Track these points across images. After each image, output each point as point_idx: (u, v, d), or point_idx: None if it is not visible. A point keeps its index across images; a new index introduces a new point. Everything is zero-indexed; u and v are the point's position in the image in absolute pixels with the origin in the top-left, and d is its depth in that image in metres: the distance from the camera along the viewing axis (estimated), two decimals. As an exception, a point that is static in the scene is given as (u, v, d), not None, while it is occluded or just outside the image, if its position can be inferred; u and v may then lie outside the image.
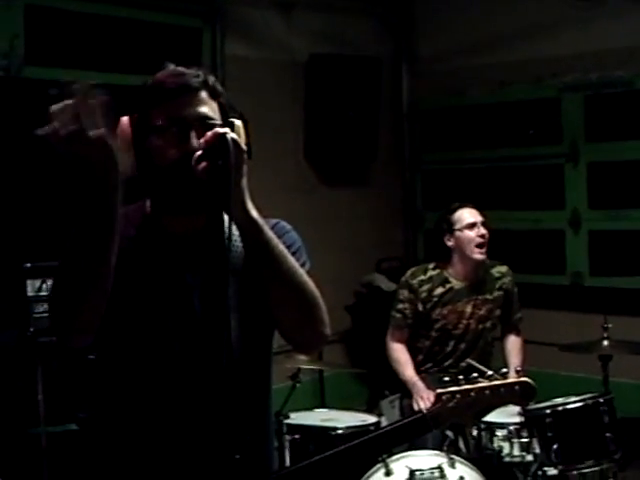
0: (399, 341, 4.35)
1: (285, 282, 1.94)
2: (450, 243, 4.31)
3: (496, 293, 4.38)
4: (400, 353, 4.33)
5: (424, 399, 4.00)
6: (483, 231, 4.24)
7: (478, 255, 4.25)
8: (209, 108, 1.97)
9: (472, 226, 4.25)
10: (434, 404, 2.24)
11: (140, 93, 2.01)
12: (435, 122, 6.76)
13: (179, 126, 1.93)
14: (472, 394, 2.22)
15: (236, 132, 1.91)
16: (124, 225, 1.97)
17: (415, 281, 4.34)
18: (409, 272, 4.43)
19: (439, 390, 2.24)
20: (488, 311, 4.35)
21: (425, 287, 4.33)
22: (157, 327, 1.98)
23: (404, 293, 4.36)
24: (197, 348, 2.00)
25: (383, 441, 2.26)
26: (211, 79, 2.01)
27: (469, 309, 4.33)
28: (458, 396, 2.21)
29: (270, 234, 1.93)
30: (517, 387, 2.25)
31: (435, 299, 4.32)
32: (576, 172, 5.96)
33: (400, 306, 4.36)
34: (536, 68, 6.04)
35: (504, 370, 2.29)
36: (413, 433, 2.30)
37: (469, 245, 4.25)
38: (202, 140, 1.88)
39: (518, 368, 2.31)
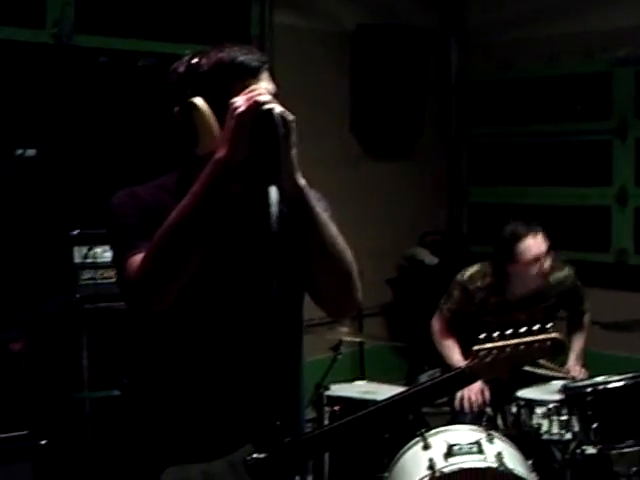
0: (445, 329, 4.27)
1: (328, 250, 1.99)
2: (510, 269, 4.09)
3: (552, 300, 4.25)
4: (445, 336, 4.25)
5: (472, 392, 3.99)
6: (546, 266, 4.01)
7: (532, 284, 4.08)
8: (271, 85, 2.02)
9: (534, 262, 4.01)
10: (471, 360, 2.30)
11: (210, 71, 2.01)
12: (483, 95, 6.70)
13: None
14: (507, 350, 2.30)
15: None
16: (162, 195, 2.02)
17: (472, 287, 4.17)
18: (467, 274, 4.22)
19: (476, 347, 2.31)
20: (544, 315, 4.12)
21: (479, 295, 4.17)
22: (199, 292, 2.01)
23: (459, 294, 4.21)
24: (238, 314, 2.03)
25: (423, 396, 2.30)
26: (268, 61, 2.05)
27: (523, 317, 4.10)
28: (494, 352, 2.30)
29: (315, 202, 1.97)
30: (548, 342, 2.33)
31: (489, 308, 4.17)
32: (624, 148, 5.89)
33: (452, 305, 4.23)
34: (586, 41, 5.95)
35: (536, 327, 2.32)
36: (452, 387, 2.36)
37: (524, 277, 4.06)
38: (243, 99, 1.88)
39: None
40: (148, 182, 2.12)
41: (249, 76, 1.98)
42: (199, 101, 1.98)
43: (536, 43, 6.22)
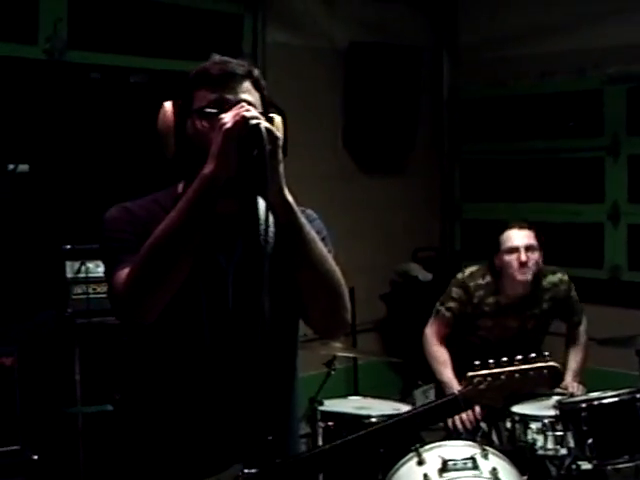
0: (440, 337, 4.22)
1: (315, 267, 1.98)
2: (497, 262, 4.15)
3: (545, 305, 4.23)
4: (439, 351, 4.20)
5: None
6: (523, 258, 4.03)
7: (519, 276, 4.07)
8: (251, 97, 2.01)
9: (513, 251, 4.06)
10: (465, 386, 2.26)
11: (185, 79, 2.05)
12: (475, 112, 6.72)
13: (220, 109, 1.95)
14: (502, 377, 2.26)
15: (275, 126, 1.93)
16: (156, 210, 2.02)
17: (472, 284, 4.18)
18: (467, 272, 4.25)
19: (470, 373, 2.27)
20: (535, 323, 4.21)
21: (479, 293, 4.17)
22: (189, 310, 2.01)
23: (459, 292, 4.19)
24: (228, 330, 2.03)
25: (416, 421, 2.27)
26: (256, 71, 2.06)
27: (514, 324, 4.18)
28: (489, 379, 2.26)
29: (303, 220, 1.97)
30: (545, 371, 2.28)
31: (485, 308, 4.18)
32: (617, 165, 5.91)
33: (452, 304, 4.19)
34: (579, 59, 5.98)
35: (532, 355, 2.29)
36: (445, 413, 2.33)
37: (510, 269, 4.07)
38: (230, 115, 1.89)
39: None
40: (142, 197, 2.12)
41: (211, 85, 1.99)
42: (167, 104, 2.03)
43: (528, 60, 6.25)
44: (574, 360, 4.24)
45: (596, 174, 6.00)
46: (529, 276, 4.07)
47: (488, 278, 4.18)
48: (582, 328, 4.37)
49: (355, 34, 6.11)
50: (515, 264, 4.05)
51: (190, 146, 1.99)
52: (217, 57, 2.06)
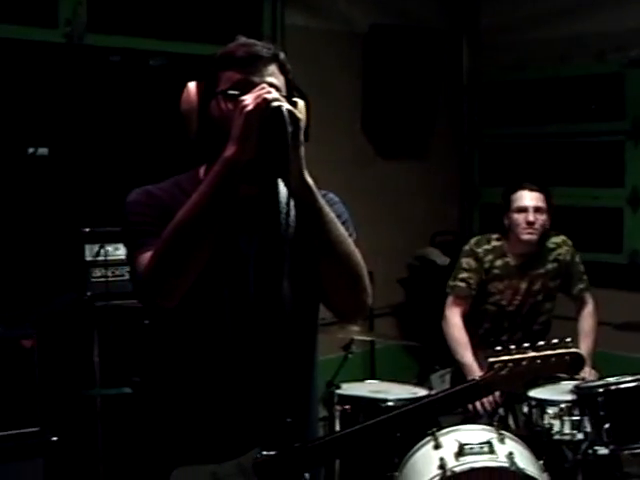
0: (460, 315, 4.26)
1: (335, 250, 1.98)
2: (506, 221, 4.28)
3: (549, 265, 4.33)
4: (460, 332, 4.23)
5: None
6: (531, 218, 4.15)
7: (525, 236, 4.19)
8: (277, 80, 2.01)
9: (522, 210, 4.18)
10: (486, 372, 2.26)
11: (210, 61, 2.04)
12: (495, 96, 6.69)
13: (245, 91, 1.94)
14: (523, 363, 2.24)
15: (298, 110, 1.93)
16: (178, 193, 2.02)
17: (480, 250, 4.30)
18: (473, 240, 4.38)
19: (491, 359, 2.26)
20: (542, 285, 4.32)
21: (489, 257, 4.29)
22: (211, 294, 2.02)
23: (469, 262, 4.30)
24: (249, 314, 2.03)
25: (436, 407, 2.27)
26: (282, 54, 2.05)
27: (524, 285, 4.30)
28: (510, 365, 2.24)
29: (323, 202, 1.97)
30: (567, 357, 2.26)
31: (495, 271, 4.29)
32: (637, 150, 5.87)
33: (464, 275, 4.28)
34: (599, 42, 5.94)
35: (555, 341, 2.29)
36: (465, 399, 2.32)
37: (517, 227, 4.20)
38: (252, 97, 1.89)
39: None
40: (165, 180, 2.12)
41: (236, 67, 1.99)
42: (191, 84, 2.03)
43: (548, 44, 6.20)
44: (584, 344, 4.25)
45: (616, 158, 5.97)
46: (535, 237, 4.20)
47: (495, 242, 4.32)
48: (590, 309, 4.40)
49: (374, 17, 6.08)
50: (523, 223, 4.17)
51: (213, 128, 1.98)
52: (243, 39, 2.05)
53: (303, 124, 1.90)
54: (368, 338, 4.86)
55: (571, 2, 6.05)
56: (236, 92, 1.96)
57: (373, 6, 6.10)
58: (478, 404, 4.00)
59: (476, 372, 4.03)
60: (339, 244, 1.98)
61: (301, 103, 1.99)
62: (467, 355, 4.17)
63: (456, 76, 6.73)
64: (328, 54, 5.86)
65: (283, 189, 1.92)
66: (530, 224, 4.16)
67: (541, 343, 2.26)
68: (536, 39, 6.26)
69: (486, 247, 4.31)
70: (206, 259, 1.94)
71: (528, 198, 4.20)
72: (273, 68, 2.01)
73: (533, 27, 6.25)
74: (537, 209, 4.19)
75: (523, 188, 4.24)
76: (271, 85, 1.96)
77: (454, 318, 4.27)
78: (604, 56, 5.97)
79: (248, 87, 1.95)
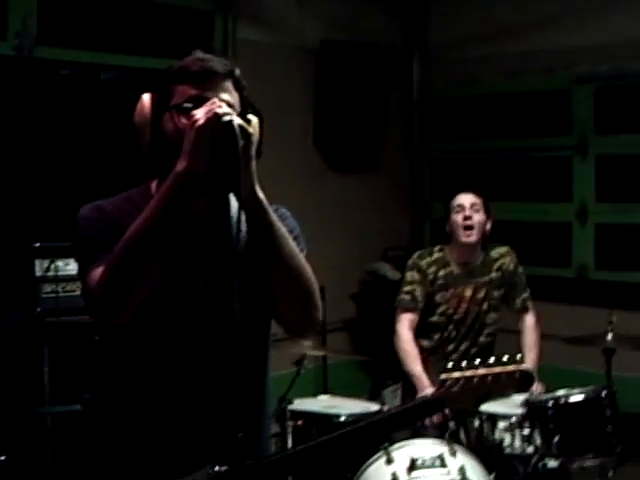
0: (409, 328, 4.31)
1: (285, 265, 1.98)
2: (447, 228, 4.39)
3: (493, 274, 4.40)
4: (409, 345, 4.27)
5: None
6: (467, 213, 4.27)
7: (464, 238, 4.29)
8: (231, 97, 2.01)
9: (460, 209, 4.31)
10: (438, 388, 2.27)
11: (165, 74, 2.04)
12: (445, 111, 6.75)
13: (198, 106, 1.94)
14: (475, 380, 2.25)
15: (251, 127, 1.93)
16: (130, 208, 2.01)
17: (423, 262, 4.38)
18: (416, 254, 4.47)
19: (443, 375, 2.27)
20: (486, 293, 4.38)
21: (432, 269, 4.37)
22: (162, 309, 2.01)
23: (413, 275, 4.37)
24: (200, 330, 2.03)
25: (387, 424, 2.28)
26: (237, 70, 2.05)
27: (469, 293, 4.35)
28: (461, 382, 2.25)
29: (274, 217, 1.97)
30: (517, 374, 2.28)
31: (439, 281, 4.36)
32: (584, 165, 5.96)
33: (408, 288, 4.35)
34: (548, 58, 6.03)
35: (505, 358, 2.31)
36: (417, 416, 2.33)
37: (457, 229, 4.31)
38: (203, 111, 1.89)
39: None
40: (116, 195, 2.11)
41: (190, 81, 1.99)
42: (145, 96, 2.02)
43: (497, 60, 6.29)
44: (529, 357, 4.29)
45: (564, 173, 6.06)
46: (474, 238, 4.29)
47: (437, 254, 4.41)
48: (532, 321, 4.47)
49: (326, 32, 6.11)
50: (460, 221, 4.28)
51: (165, 142, 1.98)
52: (199, 54, 2.05)
53: (255, 139, 1.91)
54: (320, 353, 4.85)
55: (521, 19, 6.13)
56: (189, 106, 1.96)
57: (325, 21, 6.13)
58: (427, 421, 4.02)
59: (425, 383, 4.09)
60: (290, 259, 1.99)
61: (254, 120, 1.99)
62: (416, 367, 4.21)
63: (407, 91, 6.79)
64: (280, 69, 5.87)
65: (234, 203, 1.92)
66: (467, 219, 4.27)
67: (492, 360, 2.27)
68: (486, 55, 6.34)
69: (428, 260, 4.39)
70: (158, 274, 1.93)
71: (464, 198, 4.34)
72: (228, 84, 2.01)
73: (483, 43, 6.33)
74: (472, 205, 4.30)
75: (462, 191, 4.40)
76: (225, 102, 1.96)
77: (402, 331, 4.32)
78: (552, 72, 6.06)
79: (202, 102, 1.94)
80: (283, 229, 1.99)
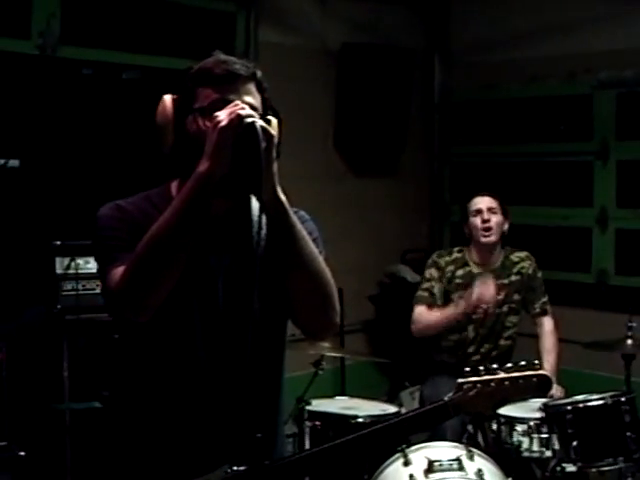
0: (423, 311, 4.37)
1: (305, 267, 1.98)
2: (466, 231, 4.48)
3: (513, 277, 4.44)
4: (426, 313, 4.36)
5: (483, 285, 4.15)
6: (486, 216, 4.36)
7: (483, 239, 4.37)
8: (254, 99, 2.02)
9: (477, 212, 4.39)
10: (455, 393, 2.27)
11: (187, 75, 2.04)
12: (466, 115, 6.74)
13: (222, 109, 1.94)
14: (492, 384, 2.26)
15: (271, 127, 1.93)
16: (149, 209, 2.02)
17: (442, 260, 4.45)
18: (435, 254, 4.55)
19: (460, 380, 2.27)
20: (505, 295, 4.39)
21: (450, 268, 4.43)
22: (181, 310, 2.02)
23: (431, 272, 4.44)
24: (218, 331, 2.04)
25: (404, 427, 2.28)
26: (259, 72, 2.06)
27: None
28: (479, 386, 2.25)
29: (295, 219, 1.98)
30: (535, 379, 2.28)
31: (457, 281, 4.40)
32: (605, 170, 5.93)
33: (427, 285, 4.41)
34: (569, 63, 6.01)
35: (522, 363, 2.30)
36: (434, 420, 2.33)
37: (475, 231, 4.39)
38: (225, 113, 1.89)
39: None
40: (135, 195, 2.12)
41: (214, 84, 1.99)
42: (167, 97, 2.02)
43: (519, 64, 6.27)
44: (547, 362, 4.31)
45: (585, 178, 6.03)
46: (493, 238, 4.37)
47: (456, 254, 4.49)
48: (551, 325, 4.49)
49: (348, 35, 6.11)
50: (479, 224, 4.36)
51: (189, 143, 1.98)
52: (221, 55, 2.05)
53: (276, 140, 1.91)
54: (338, 354, 4.86)
55: (543, 24, 6.11)
56: (213, 109, 1.96)
57: (347, 24, 6.14)
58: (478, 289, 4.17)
59: (467, 294, 4.20)
60: (310, 262, 1.99)
61: (274, 121, 2.00)
62: (445, 310, 4.31)
63: (428, 94, 6.78)
64: (301, 71, 5.87)
65: (255, 205, 1.93)
66: (485, 222, 4.35)
67: (509, 365, 2.28)
68: (507, 59, 6.32)
69: (447, 258, 4.46)
70: (179, 274, 1.93)
71: (481, 201, 4.42)
72: (251, 87, 2.02)
73: (505, 47, 6.32)
74: (490, 209, 4.39)
75: (480, 194, 4.47)
76: (249, 104, 1.97)
77: (416, 315, 4.39)
78: (574, 77, 6.04)
79: (225, 105, 1.95)
80: (304, 232, 1.99)
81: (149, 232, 1.92)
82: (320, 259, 2.02)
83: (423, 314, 4.37)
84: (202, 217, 1.92)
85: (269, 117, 1.99)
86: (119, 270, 1.95)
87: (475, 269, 4.42)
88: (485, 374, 2.26)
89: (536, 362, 2.29)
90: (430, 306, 4.37)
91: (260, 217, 1.87)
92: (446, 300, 4.40)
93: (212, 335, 2.03)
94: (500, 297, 4.29)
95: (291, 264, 1.98)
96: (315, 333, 2.18)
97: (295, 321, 2.09)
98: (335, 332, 2.13)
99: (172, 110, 2.01)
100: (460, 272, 4.42)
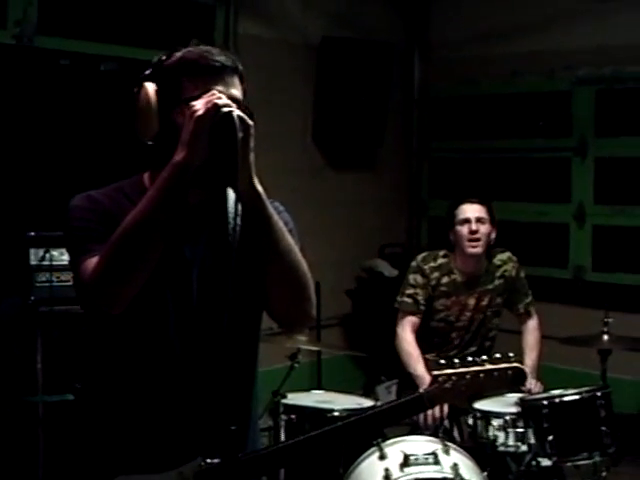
0: (411, 331, 4.27)
1: (281, 258, 1.97)
2: (451, 237, 4.35)
3: (497, 282, 4.38)
4: (412, 347, 4.24)
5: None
6: (474, 227, 4.23)
7: (470, 249, 4.26)
8: (238, 91, 2.00)
9: (465, 222, 4.26)
10: (430, 385, 2.27)
11: (168, 65, 2.01)
12: (445, 110, 6.75)
13: None
14: (467, 377, 2.25)
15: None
16: (121, 199, 2.00)
17: (427, 267, 4.34)
18: (420, 257, 4.42)
19: (435, 372, 2.27)
20: (489, 300, 4.36)
21: (435, 274, 4.33)
22: (154, 301, 2.00)
23: (416, 278, 4.33)
24: (192, 322, 2.02)
25: (380, 419, 2.27)
26: (237, 61, 2.03)
27: (472, 301, 4.32)
28: (454, 378, 2.25)
29: (272, 210, 1.96)
30: (510, 372, 2.28)
31: (442, 288, 4.32)
32: (583, 166, 5.96)
33: (411, 291, 4.31)
34: (549, 60, 6.03)
35: (497, 355, 2.30)
36: (409, 412, 2.33)
37: (461, 240, 4.27)
38: (202, 102, 1.88)
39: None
40: (107, 186, 2.10)
41: (200, 75, 1.97)
42: (149, 86, 1.99)
43: (499, 60, 6.28)
44: (529, 357, 4.30)
45: (563, 175, 6.05)
46: (479, 249, 4.27)
47: (441, 259, 4.37)
48: (534, 323, 4.47)
49: (328, 29, 6.11)
50: (467, 234, 4.24)
51: (176, 134, 1.94)
52: (202, 46, 2.03)
53: (253, 130, 1.89)
54: (315, 348, 4.85)
55: (523, 20, 6.13)
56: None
57: (327, 18, 6.13)
58: (421, 419, 4.01)
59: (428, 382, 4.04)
60: (286, 253, 1.98)
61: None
62: (419, 367, 4.17)
63: (407, 89, 6.79)
64: (280, 64, 5.86)
65: (231, 195, 1.91)
66: (473, 233, 4.23)
67: (484, 357, 2.28)
68: (487, 55, 6.33)
69: (432, 264, 4.35)
70: (154, 265, 1.92)
71: (470, 210, 4.29)
72: (235, 79, 2.00)
73: (485, 43, 6.33)
74: (479, 219, 4.26)
75: (464, 202, 4.33)
76: (234, 96, 1.96)
77: (404, 333, 4.28)
78: (553, 74, 6.06)
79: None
80: (280, 223, 1.98)
81: (124, 223, 1.90)
82: (296, 250, 2.01)
83: (405, 340, 4.25)
84: (178, 207, 1.90)
85: (248, 107, 1.97)
86: (92, 261, 1.93)
87: (460, 277, 4.33)
88: (460, 366, 2.26)
89: (511, 355, 2.29)
90: (414, 314, 4.31)
91: (236, 207, 1.85)
92: (429, 307, 4.33)
93: (186, 326, 2.02)
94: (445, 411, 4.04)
95: (267, 255, 1.97)
96: (291, 325, 2.17)
97: (270, 313, 2.08)
98: (311, 324, 2.13)
99: (156, 100, 1.98)
100: (445, 280, 4.33)
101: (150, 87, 1.99)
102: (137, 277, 1.91)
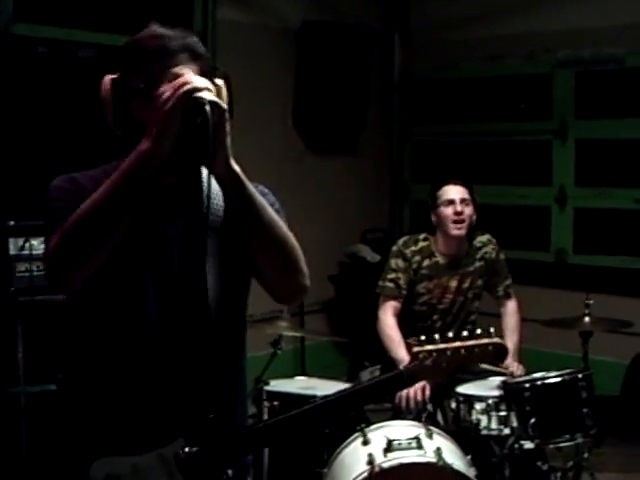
0: (392, 315, 4.27)
1: (268, 234, 1.96)
2: (434, 218, 4.34)
3: (477, 264, 4.39)
4: (394, 331, 4.23)
5: (413, 389, 3.97)
6: (459, 208, 4.22)
7: (454, 231, 4.25)
8: (192, 71, 1.94)
9: (450, 203, 4.25)
10: (411, 361, 2.26)
11: (121, 53, 1.99)
12: (425, 94, 6.74)
13: (161, 84, 1.89)
14: (448, 353, 2.24)
15: (218, 91, 1.89)
16: (104, 182, 1.98)
17: (408, 250, 4.33)
18: (401, 241, 4.41)
19: (416, 348, 2.25)
20: (470, 282, 4.37)
21: (416, 258, 4.32)
22: (134, 280, 1.98)
23: (397, 262, 4.32)
24: (173, 301, 2.01)
25: (361, 396, 2.27)
26: (191, 40, 1.99)
27: (454, 284, 4.33)
28: (434, 354, 2.24)
29: (253, 189, 1.94)
30: (490, 347, 2.27)
31: (423, 271, 4.32)
32: (564, 149, 5.97)
33: (392, 275, 4.31)
34: (529, 43, 6.03)
35: (478, 331, 2.30)
36: (390, 389, 2.33)
37: (446, 221, 4.26)
38: (170, 91, 1.84)
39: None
40: (91, 169, 2.08)
41: (150, 59, 1.93)
42: (106, 78, 1.97)
43: (479, 43, 6.28)
44: (510, 340, 4.30)
45: (544, 157, 6.06)
46: (463, 231, 4.27)
47: (422, 243, 4.37)
48: (514, 305, 4.48)
49: (308, 13, 6.08)
50: (451, 215, 4.24)
51: (131, 122, 1.94)
52: (154, 27, 1.99)
53: (227, 112, 1.86)
54: (298, 334, 4.85)
55: (502, 3, 6.13)
56: (151, 88, 1.90)
57: (306, 2, 6.10)
58: (403, 403, 4.01)
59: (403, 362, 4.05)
60: (272, 228, 1.97)
61: (219, 82, 1.94)
62: (400, 352, 4.15)
63: (388, 73, 6.77)
64: (260, 49, 5.84)
65: (206, 176, 1.89)
66: (458, 214, 4.22)
67: (465, 333, 2.27)
68: (467, 39, 6.33)
69: (413, 248, 4.34)
70: (110, 248, 1.89)
71: (454, 191, 4.28)
72: (183, 58, 1.95)
73: (465, 26, 6.32)
74: (463, 200, 4.26)
75: (447, 183, 4.33)
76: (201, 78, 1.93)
77: (386, 317, 4.28)
78: (533, 57, 6.06)
79: (164, 80, 1.90)
80: (263, 201, 1.96)
81: (84, 204, 1.88)
82: (282, 225, 2.00)
83: (387, 325, 4.24)
84: (146, 190, 1.88)
85: (215, 80, 1.93)
86: (54, 238, 1.92)
87: (442, 259, 4.33)
88: (441, 342, 2.25)
89: (492, 330, 2.29)
90: (396, 299, 4.31)
91: (209, 188, 1.83)
92: (410, 290, 4.33)
93: (166, 305, 2.00)
94: (427, 394, 4.03)
95: (253, 232, 1.96)
96: (285, 297, 2.15)
97: (264, 287, 2.06)
98: (304, 295, 2.11)
99: (111, 91, 1.97)
100: (426, 262, 4.33)
101: (106, 80, 1.97)
102: (90, 258, 1.88)
